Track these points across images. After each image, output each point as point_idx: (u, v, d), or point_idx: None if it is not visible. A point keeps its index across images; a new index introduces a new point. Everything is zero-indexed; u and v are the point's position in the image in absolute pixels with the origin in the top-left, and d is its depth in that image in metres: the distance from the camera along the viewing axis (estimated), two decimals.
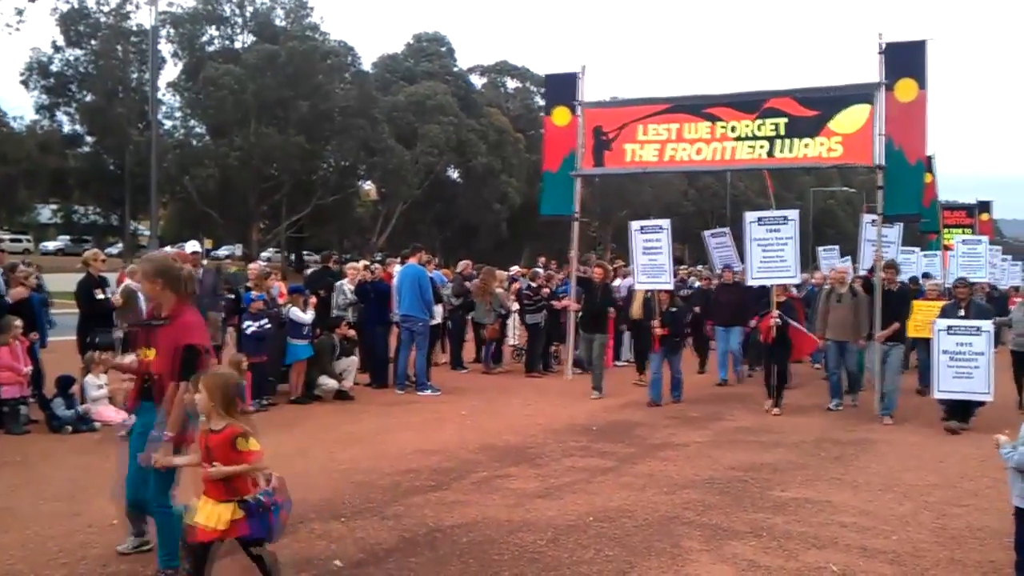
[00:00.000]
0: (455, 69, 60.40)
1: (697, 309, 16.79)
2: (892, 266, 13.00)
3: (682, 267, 28.95)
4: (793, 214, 13.05)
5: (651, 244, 13.84)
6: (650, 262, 13.81)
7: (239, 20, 51.25)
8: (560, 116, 15.89)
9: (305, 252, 58.29)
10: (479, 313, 16.57)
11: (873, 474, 9.07)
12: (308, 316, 12.66)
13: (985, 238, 21.35)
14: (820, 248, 22.50)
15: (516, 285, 17.85)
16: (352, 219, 55.40)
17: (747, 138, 13.96)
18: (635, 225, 14.28)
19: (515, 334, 18.13)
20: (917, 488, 8.49)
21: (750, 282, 13.31)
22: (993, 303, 18.23)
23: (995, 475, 8.75)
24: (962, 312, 12.22)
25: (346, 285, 14.24)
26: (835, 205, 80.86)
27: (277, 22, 51.25)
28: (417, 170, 49.95)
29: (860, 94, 13.12)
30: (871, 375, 13.28)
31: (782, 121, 13.67)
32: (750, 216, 13.29)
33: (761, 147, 13.86)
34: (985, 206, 29.51)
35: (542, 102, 28.39)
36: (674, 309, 13.54)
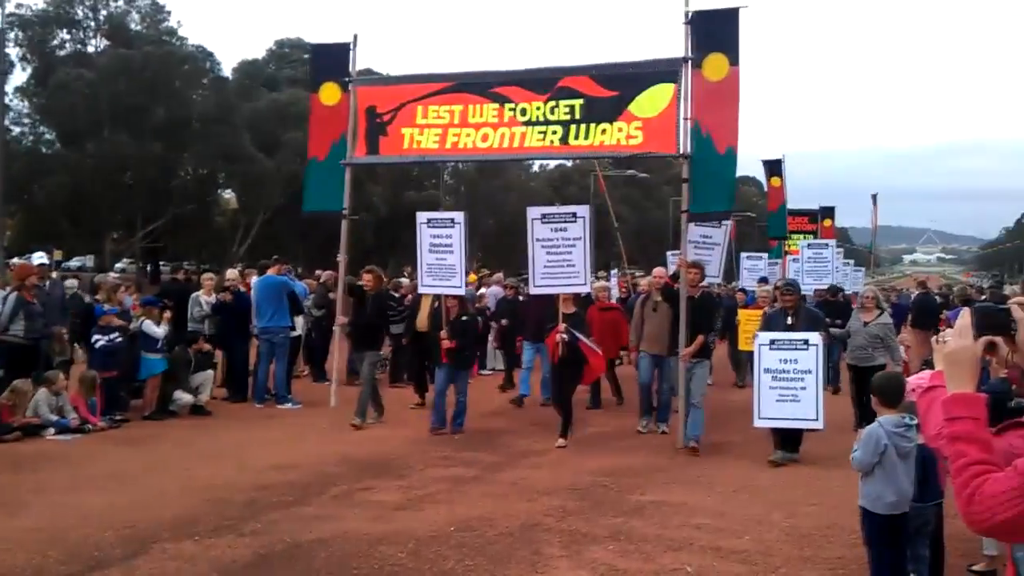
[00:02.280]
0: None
1: (505, 321, 16.19)
2: (696, 267, 11.40)
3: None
4: (583, 211, 11.27)
5: (440, 241, 11.84)
6: (437, 261, 11.81)
7: (92, 24, 49.29)
8: (329, 94, 13.23)
9: (161, 262, 56.54)
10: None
11: (729, 475, 9.34)
12: (161, 330, 12.27)
13: (832, 242, 20.49)
14: (669, 253, 21.87)
15: None
16: (211, 229, 53.97)
17: (538, 123, 11.74)
18: (422, 217, 12.35)
19: None
20: (769, 488, 8.78)
21: (532, 290, 11.69)
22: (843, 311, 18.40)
23: (845, 474, 9.11)
24: (790, 320, 10.45)
25: (202, 297, 13.88)
26: None
27: (132, 26, 49.54)
28: (280, 178, 49.03)
29: (663, 72, 11.14)
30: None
31: (578, 103, 11.53)
32: (532, 212, 11.45)
33: (554, 133, 11.62)
34: (828, 212, 28.72)
35: None
36: (464, 318, 11.96)
